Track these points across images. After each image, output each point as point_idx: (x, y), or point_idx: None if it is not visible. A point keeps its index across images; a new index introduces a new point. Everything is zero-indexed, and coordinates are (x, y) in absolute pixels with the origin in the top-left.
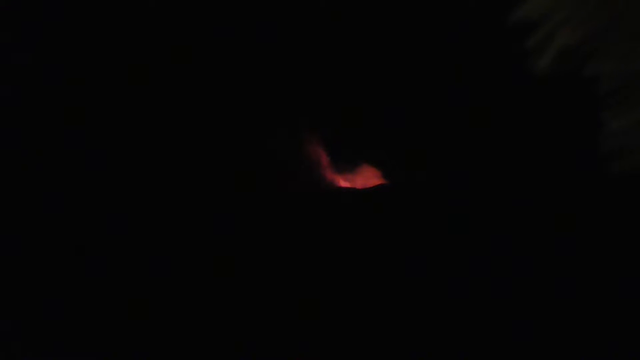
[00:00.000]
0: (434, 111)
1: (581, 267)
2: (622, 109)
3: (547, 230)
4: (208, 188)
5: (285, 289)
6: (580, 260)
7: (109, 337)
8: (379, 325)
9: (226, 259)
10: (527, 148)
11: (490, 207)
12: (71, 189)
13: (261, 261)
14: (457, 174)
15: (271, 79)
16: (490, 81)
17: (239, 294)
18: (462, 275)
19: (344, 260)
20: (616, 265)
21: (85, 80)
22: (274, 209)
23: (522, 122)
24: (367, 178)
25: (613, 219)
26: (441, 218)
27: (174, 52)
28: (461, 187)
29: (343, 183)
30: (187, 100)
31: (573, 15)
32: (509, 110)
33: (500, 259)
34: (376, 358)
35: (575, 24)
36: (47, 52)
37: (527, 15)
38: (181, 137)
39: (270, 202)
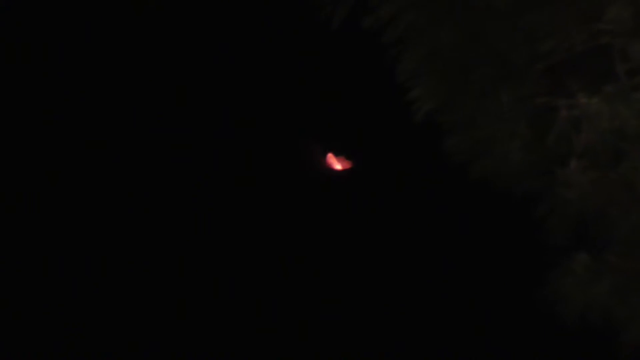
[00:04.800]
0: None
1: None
2: (454, 137)
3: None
4: (220, 185)
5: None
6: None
7: (109, 336)
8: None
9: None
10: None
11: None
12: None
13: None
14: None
15: (272, 82)
16: (399, 123)
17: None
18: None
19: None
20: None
21: (84, 80)
22: (287, 188)
23: (409, 139)
24: (343, 163)
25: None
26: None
27: (174, 52)
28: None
29: (330, 167)
30: (191, 101)
31: (430, 97)
32: (405, 133)
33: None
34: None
35: (431, 100)
36: (45, 51)
37: (411, 97)
38: (186, 137)
39: (284, 182)
